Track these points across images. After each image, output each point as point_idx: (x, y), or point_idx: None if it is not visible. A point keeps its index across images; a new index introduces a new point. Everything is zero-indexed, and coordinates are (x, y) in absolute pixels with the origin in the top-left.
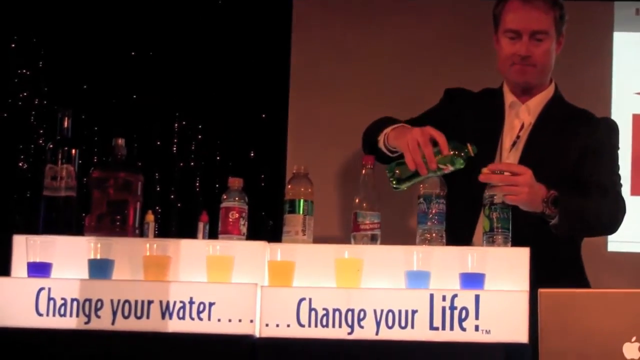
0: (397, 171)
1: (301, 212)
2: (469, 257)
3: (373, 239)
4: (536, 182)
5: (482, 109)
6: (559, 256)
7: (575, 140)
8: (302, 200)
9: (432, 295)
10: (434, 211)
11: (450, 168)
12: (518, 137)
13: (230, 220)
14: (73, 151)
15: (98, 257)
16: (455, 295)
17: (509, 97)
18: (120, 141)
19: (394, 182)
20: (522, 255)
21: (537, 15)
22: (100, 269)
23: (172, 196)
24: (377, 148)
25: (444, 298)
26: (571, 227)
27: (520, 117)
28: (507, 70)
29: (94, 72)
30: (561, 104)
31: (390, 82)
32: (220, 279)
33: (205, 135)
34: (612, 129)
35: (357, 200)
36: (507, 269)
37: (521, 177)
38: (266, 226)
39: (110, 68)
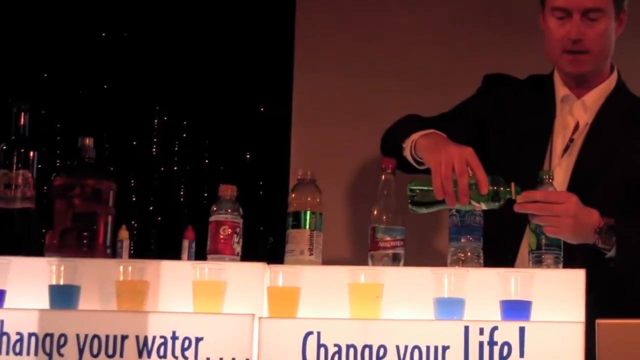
0: (419, 193)
1: (307, 226)
2: (512, 281)
3: (395, 259)
4: (585, 208)
5: (528, 103)
6: (620, 280)
7: None
8: (308, 213)
9: (467, 328)
10: (469, 225)
11: (483, 207)
12: (572, 140)
13: (222, 237)
14: (31, 154)
15: (61, 282)
16: (495, 328)
17: (560, 90)
18: (88, 141)
19: (412, 205)
20: (576, 279)
21: None
22: (63, 296)
23: (151, 208)
24: (400, 154)
25: (481, 331)
26: (632, 263)
27: (575, 115)
28: (557, 58)
29: (56, 58)
30: (625, 98)
31: (414, 66)
32: (209, 308)
33: (191, 133)
34: None
35: (375, 213)
36: (558, 296)
37: (562, 206)
38: (265, 244)
39: (75, 52)
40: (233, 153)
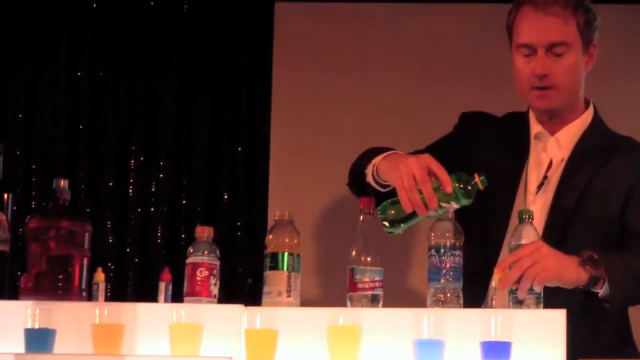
0: (392, 212)
1: (285, 268)
2: (492, 322)
3: (374, 301)
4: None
5: (502, 140)
6: (600, 318)
7: (620, 179)
8: (286, 254)
9: None
10: (448, 265)
11: (455, 206)
12: (546, 177)
13: (199, 279)
14: (5, 195)
15: (36, 326)
16: None
17: (534, 127)
18: (63, 182)
19: (388, 225)
20: (556, 319)
21: (554, 24)
22: (39, 340)
23: (128, 249)
24: (365, 183)
25: None
26: (627, 293)
27: (548, 151)
28: (526, 95)
29: (30, 96)
30: (601, 133)
31: (393, 105)
32: (186, 351)
33: (167, 173)
34: None
35: (354, 253)
36: (539, 336)
37: (535, 253)
38: (243, 286)
39: (50, 90)
40: (210, 193)
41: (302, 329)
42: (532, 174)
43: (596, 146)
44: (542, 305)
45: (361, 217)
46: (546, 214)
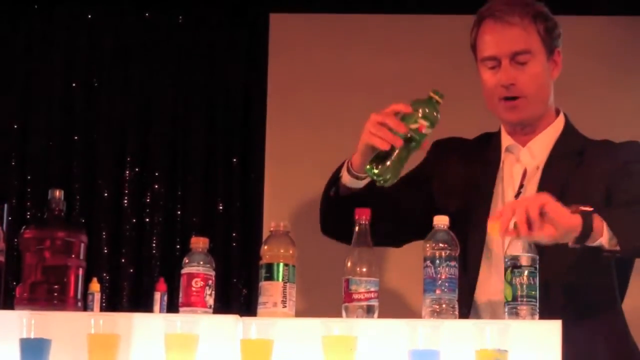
0: (374, 162)
1: (281, 278)
2: (488, 333)
3: (369, 311)
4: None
5: (474, 158)
6: (597, 323)
7: (598, 179)
8: (281, 265)
9: None
10: (443, 276)
11: (425, 124)
12: (522, 185)
13: (194, 289)
14: (0, 205)
15: (32, 335)
16: None
17: (505, 140)
18: (59, 193)
19: (380, 176)
20: (552, 330)
21: (514, 33)
22: (34, 350)
23: (123, 260)
24: (340, 197)
25: None
26: (631, 228)
27: (522, 161)
28: (495, 108)
29: (26, 108)
30: (574, 138)
31: None
32: None
33: (162, 185)
34: (638, 148)
35: (349, 264)
36: (534, 347)
37: (523, 198)
38: (238, 296)
39: (46, 102)
40: (206, 204)
41: (297, 340)
42: (508, 186)
43: (572, 150)
44: (537, 316)
45: (356, 227)
46: None
